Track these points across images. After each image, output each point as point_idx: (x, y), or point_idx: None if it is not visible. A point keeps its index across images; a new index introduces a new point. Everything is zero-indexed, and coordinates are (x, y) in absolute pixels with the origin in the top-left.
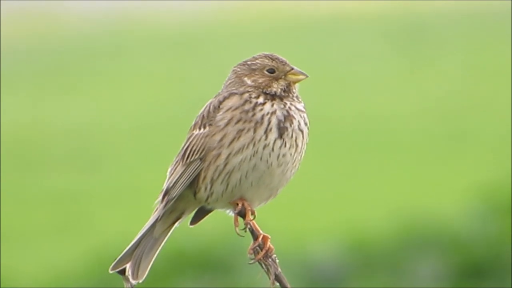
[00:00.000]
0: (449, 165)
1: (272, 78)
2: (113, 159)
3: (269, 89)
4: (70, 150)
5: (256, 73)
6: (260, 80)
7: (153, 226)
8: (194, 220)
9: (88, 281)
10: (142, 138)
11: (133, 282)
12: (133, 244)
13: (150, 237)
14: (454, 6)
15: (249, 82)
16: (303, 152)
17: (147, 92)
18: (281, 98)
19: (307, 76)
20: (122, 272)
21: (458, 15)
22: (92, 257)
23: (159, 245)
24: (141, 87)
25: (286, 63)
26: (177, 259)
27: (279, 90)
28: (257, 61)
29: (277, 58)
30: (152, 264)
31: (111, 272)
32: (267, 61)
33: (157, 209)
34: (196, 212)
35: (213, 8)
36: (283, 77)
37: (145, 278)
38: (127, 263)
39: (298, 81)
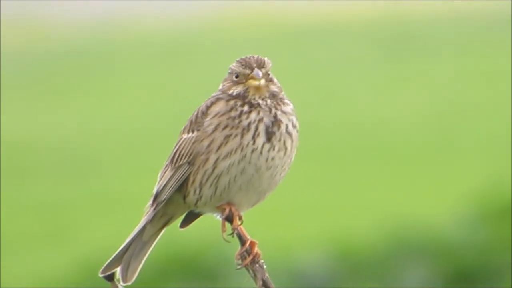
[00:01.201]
0: (438, 172)
1: (236, 83)
2: (102, 167)
3: (227, 91)
4: (60, 158)
5: (228, 77)
6: (226, 85)
7: (143, 229)
8: (184, 223)
9: None
10: (131, 147)
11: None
12: (123, 248)
13: (140, 240)
14: (443, 13)
15: (220, 87)
16: (293, 155)
17: (136, 100)
18: (257, 105)
19: (258, 79)
20: (111, 278)
21: (447, 21)
22: (81, 265)
23: (148, 248)
24: (131, 95)
25: (247, 66)
26: (164, 265)
27: (235, 93)
28: (231, 66)
29: (242, 62)
30: (142, 267)
31: (100, 275)
32: (234, 65)
33: (147, 212)
34: (186, 215)
35: (202, 15)
36: (244, 81)
37: (134, 280)
38: (117, 266)
39: (252, 85)
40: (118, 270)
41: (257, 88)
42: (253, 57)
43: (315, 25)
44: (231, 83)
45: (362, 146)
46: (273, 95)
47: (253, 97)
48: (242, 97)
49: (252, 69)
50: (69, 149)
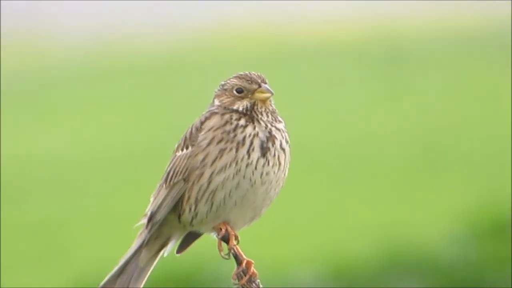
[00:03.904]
0: (430, 190)
1: (239, 98)
2: (93, 187)
3: (231, 107)
4: (49, 178)
5: (226, 93)
6: (226, 100)
7: (138, 251)
8: (181, 248)
9: None
10: (121, 166)
11: None
12: (118, 269)
13: (136, 265)
14: (431, 31)
15: (216, 102)
16: (286, 170)
17: (125, 119)
18: (257, 120)
19: (272, 93)
20: None
21: (435, 39)
22: (75, 284)
23: (146, 274)
24: (120, 114)
25: (253, 81)
26: (158, 284)
27: (241, 108)
28: (228, 81)
29: (245, 77)
30: None
31: None
32: (236, 80)
33: (141, 233)
34: (182, 240)
35: (191, 34)
36: (250, 96)
37: None
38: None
39: (262, 99)
40: None
41: (265, 101)
42: (253, 73)
43: (303, 44)
44: (232, 98)
45: (354, 165)
46: (273, 111)
47: (259, 111)
48: (249, 111)
49: (258, 84)
50: (58, 169)
